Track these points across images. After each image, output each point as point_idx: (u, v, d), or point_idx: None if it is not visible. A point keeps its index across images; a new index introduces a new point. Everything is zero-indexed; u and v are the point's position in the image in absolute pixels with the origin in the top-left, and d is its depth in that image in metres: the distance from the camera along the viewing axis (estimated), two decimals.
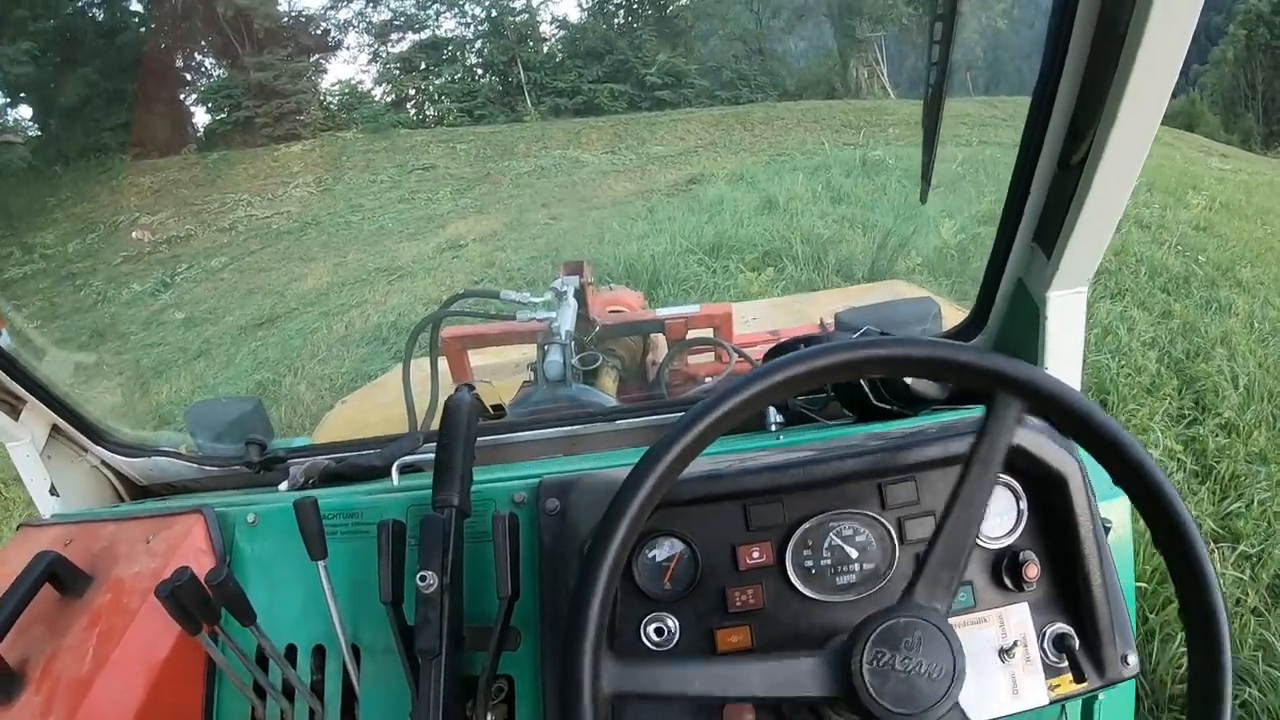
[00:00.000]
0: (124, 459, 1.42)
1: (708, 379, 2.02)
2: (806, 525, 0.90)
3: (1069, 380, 1.04)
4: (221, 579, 0.93)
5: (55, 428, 1.35)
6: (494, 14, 23.68)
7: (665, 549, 0.90)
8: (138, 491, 1.48)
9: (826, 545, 0.90)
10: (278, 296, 11.74)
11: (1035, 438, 0.87)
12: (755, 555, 0.90)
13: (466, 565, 0.93)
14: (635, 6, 23.74)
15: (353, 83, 24.11)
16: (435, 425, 1.11)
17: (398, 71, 24.24)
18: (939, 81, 1.07)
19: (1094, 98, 0.87)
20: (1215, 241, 7.46)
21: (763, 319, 2.82)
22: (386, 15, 24.35)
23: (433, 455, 0.98)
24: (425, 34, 24.31)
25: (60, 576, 1.07)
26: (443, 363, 2.05)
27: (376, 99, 23.49)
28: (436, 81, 23.77)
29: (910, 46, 23.78)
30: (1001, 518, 0.92)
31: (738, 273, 7.26)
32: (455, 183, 17.36)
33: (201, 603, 0.94)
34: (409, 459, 1.15)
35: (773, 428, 1.16)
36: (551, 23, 24.32)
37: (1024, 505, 0.93)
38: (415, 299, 8.94)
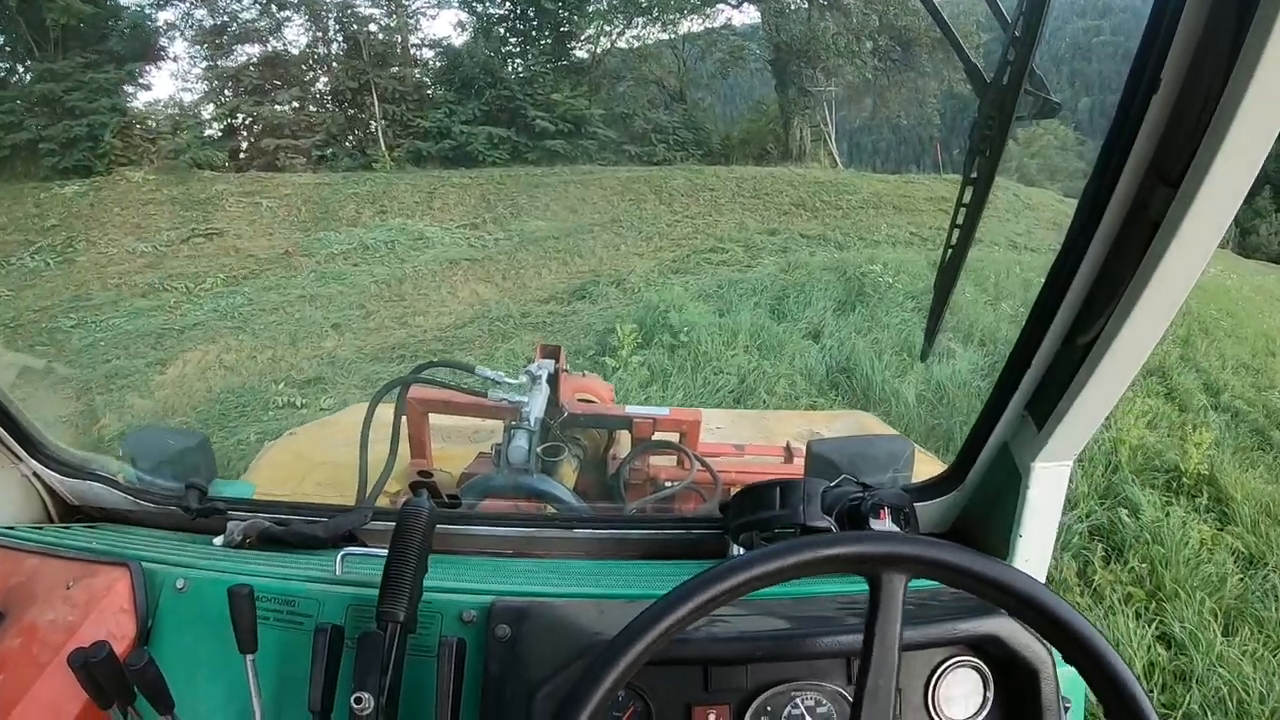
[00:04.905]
0: (58, 476, 1.36)
1: (667, 483, 1.97)
2: (768, 693, 0.90)
3: (1041, 548, 1.07)
4: (142, 665, 0.89)
5: None
6: (351, 25, 18.24)
7: (618, 699, 0.87)
8: (67, 511, 1.41)
9: (786, 714, 0.90)
10: None
11: (1008, 626, 0.89)
12: (711, 718, 0.89)
13: (405, 682, 0.90)
14: (530, 30, 18.77)
15: (164, 105, 18.36)
16: (387, 489, 1.35)
17: (229, 94, 18.58)
18: (962, 242, 1.08)
19: (1113, 281, 0.86)
20: None
21: (727, 430, 2.66)
22: (221, 19, 18.62)
23: (379, 549, 0.96)
24: (263, 47, 18.66)
25: None
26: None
27: (188, 128, 17.62)
28: (278, 108, 18.16)
29: (858, 109, 19.74)
30: (967, 700, 0.94)
31: None
32: (237, 263, 11.94)
33: (116, 681, 0.90)
34: (355, 549, 1.08)
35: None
36: (421, 44, 18.91)
37: (990, 691, 0.94)
38: None
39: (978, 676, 0.92)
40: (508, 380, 1.76)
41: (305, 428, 2.86)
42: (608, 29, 18.96)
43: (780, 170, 16.29)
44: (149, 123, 17.67)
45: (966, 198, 1.02)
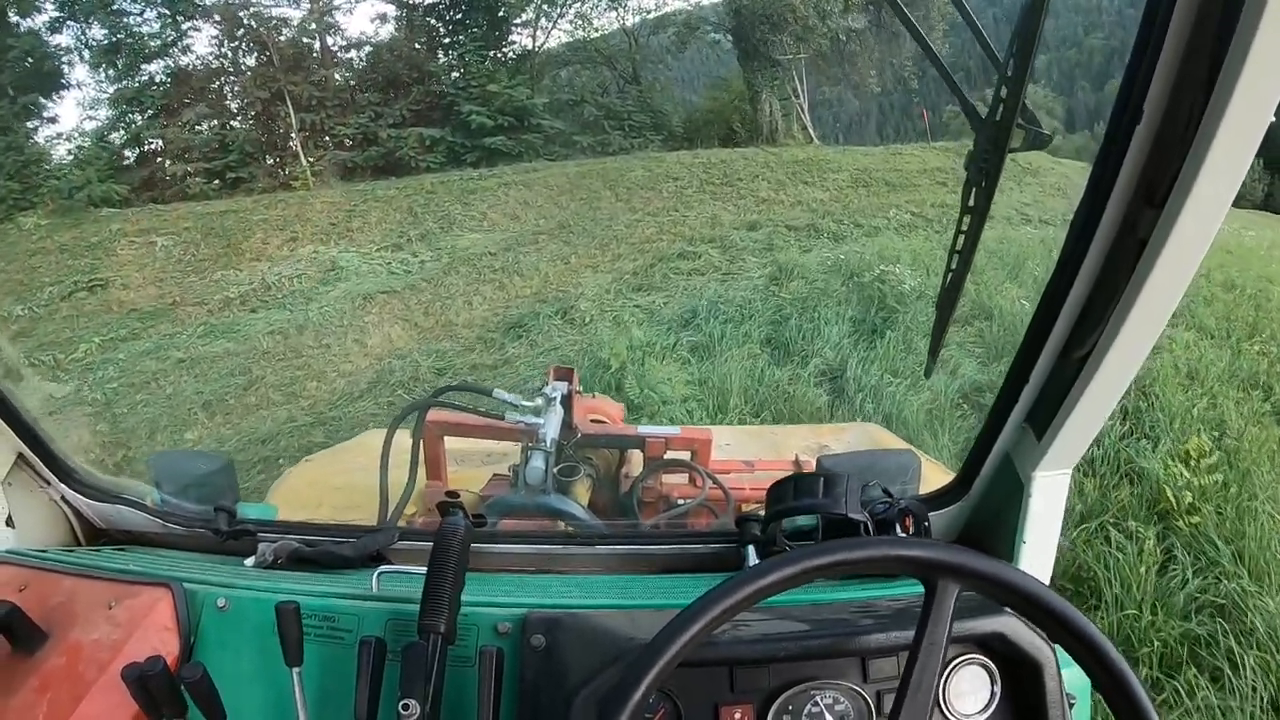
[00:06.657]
0: (86, 500, 1.39)
1: (680, 500, 2.01)
2: (790, 692, 0.93)
3: (1044, 554, 1.10)
4: (196, 677, 0.91)
5: (20, 456, 1.31)
6: (258, 28, 16.15)
7: (650, 701, 0.88)
8: (94, 534, 1.43)
9: (807, 712, 0.93)
10: None
11: (1012, 624, 0.92)
12: (737, 717, 0.92)
13: (445, 691, 0.93)
14: (460, 16, 16.73)
15: (64, 138, 16.32)
16: (408, 510, 1.49)
17: (135, 117, 16.52)
18: (962, 265, 1.14)
19: (1105, 299, 0.89)
20: None
21: (736, 446, 2.66)
22: (119, 36, 16.46)
23: (412, 567, 1.03)
24: (165, 63, 16.53)
25: (14, 629, 1.01)
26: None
27: (87, 161, 15.58)
28: (184, 130, 16.07)
29: (826, 79, 17.81)
30: (975, 696, 0.95)
31: None
32: (118, 321, 10.09)
33: (170, 693, 0.92)
34: (388, 568, 1.12)
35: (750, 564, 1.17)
36: (341, 45, 16.81)
37: (997, 686, 0.96)
38: None
39: (985, 673, 0.94)
40: (524, 403, 1.80)
41: (321, 454, 2.84)
42: (547, 7, 16.97)
43: (752, 151, 14.43)
44: (48, 160, 15.74)
45: (965, 225, 1.09)
